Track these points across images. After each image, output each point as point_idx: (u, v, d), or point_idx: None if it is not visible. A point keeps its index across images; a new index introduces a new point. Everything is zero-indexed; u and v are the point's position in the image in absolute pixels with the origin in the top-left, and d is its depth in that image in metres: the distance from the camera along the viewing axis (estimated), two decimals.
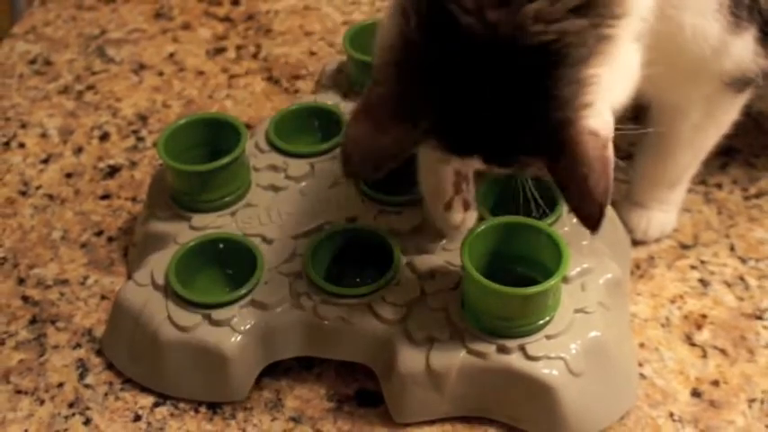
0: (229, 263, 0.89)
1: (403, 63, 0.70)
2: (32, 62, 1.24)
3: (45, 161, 1.10)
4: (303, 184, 0.94)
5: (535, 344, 0.80)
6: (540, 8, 0.66)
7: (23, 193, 1.07)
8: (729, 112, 0.90)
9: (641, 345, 0.89)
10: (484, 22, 0.66)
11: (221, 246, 0.89)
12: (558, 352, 0.80)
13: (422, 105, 0.69)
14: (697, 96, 0.88)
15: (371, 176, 0.79)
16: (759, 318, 0.91)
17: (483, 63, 0.67)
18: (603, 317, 0.83)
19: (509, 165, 0.73)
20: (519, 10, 0.66)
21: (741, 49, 0.82)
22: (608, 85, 0.69)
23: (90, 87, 1.20)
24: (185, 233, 0.90)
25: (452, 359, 0.80)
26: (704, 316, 0.91)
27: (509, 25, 0.66)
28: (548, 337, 0.80)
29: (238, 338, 0.83)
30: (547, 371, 0.79)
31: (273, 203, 0.92)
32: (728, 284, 0.94)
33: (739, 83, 0.85)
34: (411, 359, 0.81)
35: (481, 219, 0.87)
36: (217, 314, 0.83)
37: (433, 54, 0.68)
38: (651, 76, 0.85)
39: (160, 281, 0.86)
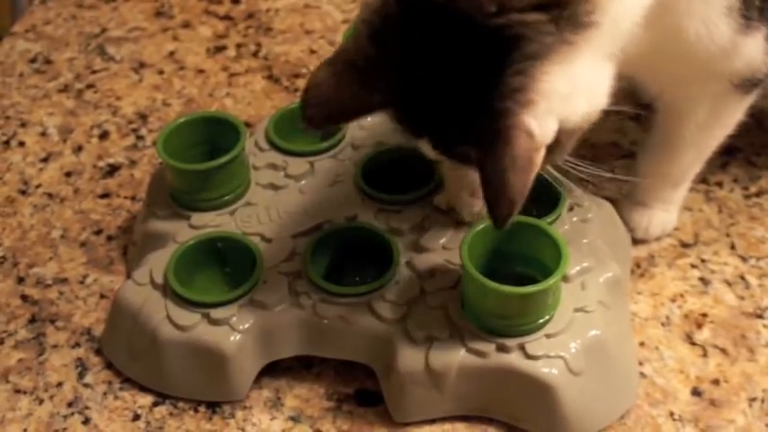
0: (228, 262, 0.89)
1: (373, 25, 0.70)
2: (32, 61, 1.24)
3: (45, 160, 1.10)
4: (303, 182, 0.94)
5: (535, 343, 0.80)
6: None
7: (23, 192, 1.07)
8: (735, 113, 0.89)
9: (641, 344, 0.89)
10: None
11: (220, 245, 0.89)
12: (557, 351, 0.79)
13: (381, 74, 0.69)
14: (704, 96, 0.87)
15: (327, 126, 0.79)
16: (760, 317, 0.91)
17: (442, 41, 0.67)
18: (603, 316, 0.82)
19: (452, 154, 0.72)
20: None
21: (752, 50, 0.81)
22: (560, 93, 0.68)
23: (90, 86, 1.20)
24: (184, 232, 0.90)
25: (452, 358, 0.80)
26: (705, 315, 0.91)
27: (471, 3, 0.65)
28: (547, 336, 0.80)
29: (237, 337, 0.83)
30: (546, 370, 0.79)
31: (273, 202, 0.92)
32: (729, 283, 0.94)
33: (748, 83, 0.84)
34: (410, 358, 0.80)
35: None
36: (216, 313, 0.83)
37: (399, 23, 0.68)
38: (656, 75, 0.85)
39: (159, 280, 0.86)
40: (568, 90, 0.68)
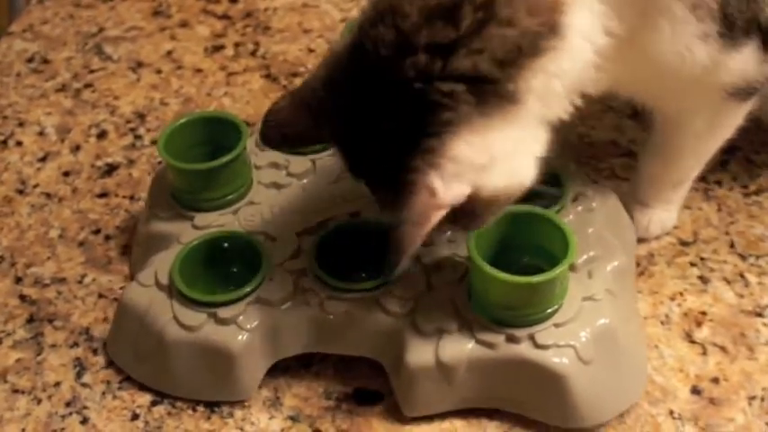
0: (234, 261, 0.88)
1: (328, 70, 0.76)
2: (30, 60, 1.24)
3: (42, 159, 1.10)
4: (305, 180, 0.94)
5: (544, 332, 0.79)
6: (425, 63, 0.70)
7: (21, 192, 1.06)
8: (734, 120, 0.89)
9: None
10: (382, 55, 0.71)
11: (225, 244, 0.88)
12: (567, 340, 0.79)
13: (327, 115, 0.76)
14: (699, 107, 0.87)
15: (282, 147, 0.86)
16: (759, 315, 0.91)
17: (378, 96, 0.72)
18: (612, 304, 0.82)
19: (381, 202, 0.76)
20: (411, 57, 0.70)
21: (741, 63, 0.81)
22: (471, 161, 0.71)
23: (88, 85, 1.19)
24: (188, 232, 0.89)
25: (462, 351, 0.80)
26: (704, 313, 0.91)
27: (401, 67, 0.70)
28: (556, 326, 0.80)
29: (245, 336, 0.83)
30: (557, 359, 0.79)
31: (276, 201, 0.92)
32: (728, 281, 0.94)
33: (743, 92, 0.84)
34: (420, 352, 0.80)
35: None
36: (223, 312, 0.83)
37: (347, 73, 0.74)
38: (644, 93, 0.85)
39: (164, 281, 0.85)
40: (482, 161, 0.71)
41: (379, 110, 0.72)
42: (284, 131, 0.79)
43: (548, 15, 0.71)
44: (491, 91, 0.70)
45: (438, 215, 0.71)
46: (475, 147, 0.71)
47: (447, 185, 0.70)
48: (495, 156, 0.72)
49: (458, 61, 0.70)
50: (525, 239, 0.84)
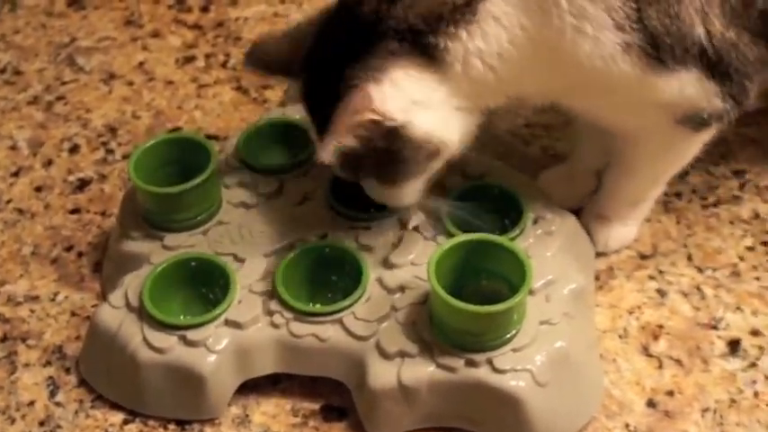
0: (203, 282, 0.90)
1: (315, 18, 0.87)
2: (2, 71, 1.25)
3: (15, 174, 1.11)
4: (273, 201, 0.95)
5: (502, 357, 0.82)
6: (376, 5, 0.81)
7: None
8: (687, 150, 0.92)
9: (599, 356, 0.91)
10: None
11: (194, 265, 0.90)
12: (524, 364, 0.82)
13: (302, 43, 0.86)
14: (650, 129, 0.89)
15: (258, 68, 0.92)
16: (714, 327, 0.94)
17: (341, 32, 0.83)
18: (568, 327, 0.85)
19: (321, 129, 0.82)
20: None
21: (676, 87, 0.83)
22: (408, 92, 0.81)
23: (60, 98, 1.21)
24: (158, 253, 0.91)
25: (423, 374, 0.82)
26: (661, 326, 0.94)
27: (360, 9, 0.82)
28: (514, 350, 0.83)
29: (214, 358, 0.85)
30: (514, 383, 0.82)
31: (245, 221, 0.94)
32: (685, 294, 0.96)
33: (694, 121, 0.86)
34: (383, 374, 0.83)
35: (450, 236, 0.89)
36: (192, 335, 0.85)
37: (326, 18, 0.86)
38: (589, 104, 0.87)
39: (135, 303, 0.87)
40: (416, 96, 0.81)
41: (339, 40, 0.83)
42: (266, 55, 0.90)
43: None
44: (423, 41, 0.81)
45: (367, 118, 0.79)
46: (412, 80, 0.81)
47: (382, 98, 0.79)
48: (427, 99, 0.82)
49: (396, 11, 0.81)
50: (485, 265, 0.86)
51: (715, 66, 0.82)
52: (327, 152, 0.80)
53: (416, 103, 0.81)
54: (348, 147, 0.81)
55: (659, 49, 0.80)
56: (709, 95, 0.84)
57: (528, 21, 0.80)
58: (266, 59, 0.90)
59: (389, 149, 0.82)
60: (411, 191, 0.86)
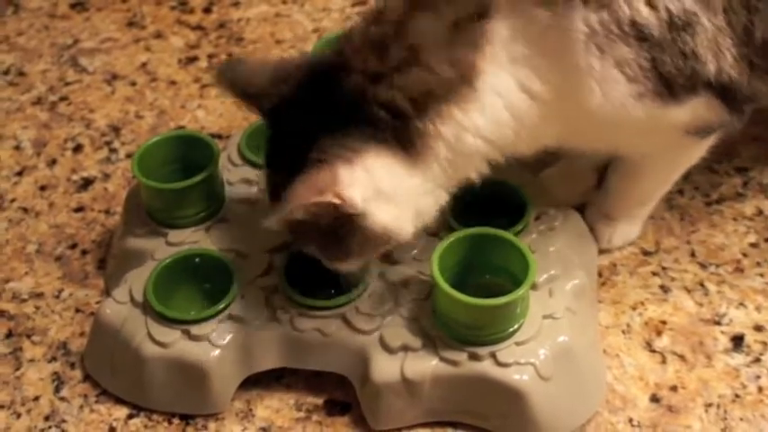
0: (207, 278, 0.91)
1: (310, 56, 0.85)
2: (6, 73, 1.25)
3: (19, 173, 1.12)
4: None
5: (505, 350, 0.82)
6: (360, 84, 0.76)
7: None
8: (694, 154, 0.92)
9: (603, 351, 0.91)
10: (333, 66, 0.78)
11: (197, 261, 0.90)
12: (527, 358, 0.82)
13: (279, 86, 0.80)
14: (661, 145, 0.89)
15: (225, 87, 0.85)
16: (717, 323, 0.94)
17: (320, 95, 0.77)
18: (571, 321, 0.85)
19: (274, 191, 0.79)
20: (350, 76, 0.77)
21: (688, 113, 0.83)
22: (377, 182, 0.76)
23: (63, 98, 1.21)
24: (162, 249, 0.92)
25: (426, 367, 0.83)
26: (664, 322, 0.94)
27: (343, 82, 0.77)
28: (517, 344, 0.83)
29: (217, 352, 0.85)
30: (517, 376, 0.82)
31: (247, 217, 0.94)
32: (688, 290, 0.97)
33: (701, 131, 0.86)
34: (386, 368, 0.83)
35: (451, 230, 0.89)
36: (195, 329, 0.85)
37: (312, 65, 0.80)
38: (601, 143, 0.87)
39: (139, 298, 0.88)
40: (384, 187, 0.77)
41: (318, 104, 0.78)
42: (240, 79, 0.82)
43: (465, 69, 0.76)
44: (406, 126, 0.76)
45: (325, 200, 0.74)
46: (384, 170, 0.76)
47: (350, 182, 0.75)
48: (394, 191, 0.77)
49: (381, 91, 0.76)
50: (488, 259, 0.86)
51: (721, 93, 0.82)
52: (276, 221, 0.77)
53: (381, 194, 0.77)
54: (294, 219, 0.77)
55: (672, 89, 0.79)
56: (718, 112, 0.84)
57: (537, 86, 0.77)
58: (239, 83, 0.83)
59: (337, 232, 0.78)
60: (353, 265, 0.84)
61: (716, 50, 0.79)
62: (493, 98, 0.77)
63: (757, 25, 0.79)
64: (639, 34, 0.76)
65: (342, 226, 0.77)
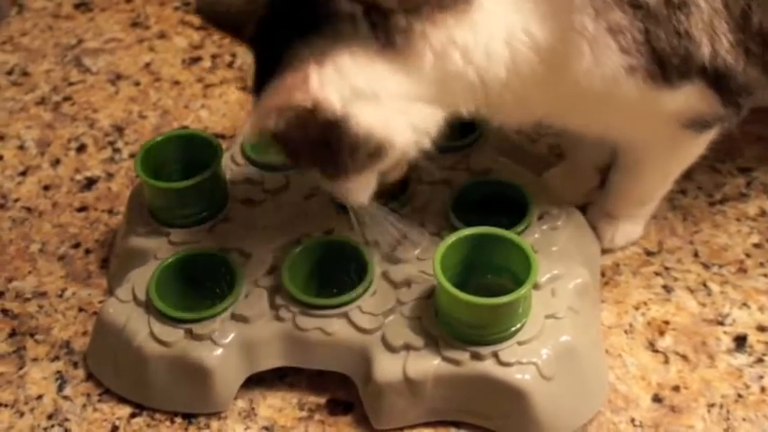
0: (209, 277, 0.91)
1: None
2: (9, 73, 1.26)
3: (23, 173, 1.12)
4: (279, 196, 0.96)
5: (508, 350, 0.82)
6: None
7: (2, 206, 1.08)
8: (693, 150, 0.92)
9: (605, 351, 0.91)
10: None
11: (200, 260, 0.91)
12: (529, 357, 0.82)
13: (255, 15, 0.78)
14: (656, 137, 0.89)
15: (209, 21, 0.85)
16: (720, 323, 0.94)
17: (295, 4, 0.76)
18: (573, 321, 0.85)
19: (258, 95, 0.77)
20: None
21: (681, 100, 0.82)
22: (354, 80, 0.73)
23: (67, 98, 1.21)
24: (165, 248, 0.92)
25: (428, 367, 0.83)
26: (667, 322, 0.94)
27: None
28: (520, 344, 0.83)
29: (220, 351, 0.85)
30: (519, 376, 0.82)
31: (251, 216, 0.94)
32: (691, 290, 0.96)
33: (698, 125, 0.86)
34: (388, 368, 0.83)
35: (454, 229, 0.89)
36: (198, 329, 0.86)
37: None
38: (593, 124, 0.86)
39: (142, 297, 0.88)
40: (362, 86, 0.74)
41: (293, 9, 0.75)
42: (220, 6, 0.81)
43: None
44: (384, 21, 0.73)
45: (299, 100, 0.72)
46: (360, 67, 0.74)
47: (321, 82, 0.72)
48: (376, 90, 0.74)
49: None
50: (490, 259, 0.86)
51: (716, 80, 0.81)
52: (250, 130, 0.76)
53: (360, 94, 0.74)
54: (279, 129, 0.75)
55: (665, 68, 0.78)
56: (711, 103, 0.83)
57: (532, 27, 0.75)
58: (219, 11, 0.81)
59: (325, 143, 0.76)
60: (357, 188, 0.81)
61: (711, 33, 0.78)
62: (488, 23, 0.75)
63: (755, 10, 0.79)
64: (634, 1, 0.75)
65: (330, 136, 0.75)
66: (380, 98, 0.75)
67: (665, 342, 0.92)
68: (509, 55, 0.76)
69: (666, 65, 0.78)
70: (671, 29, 0.77)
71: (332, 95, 0.73)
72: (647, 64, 0.78)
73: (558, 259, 0.89)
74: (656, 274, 0.98)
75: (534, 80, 0.78)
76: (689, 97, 0.82)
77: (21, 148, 1.15)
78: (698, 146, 0.91)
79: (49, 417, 0.89)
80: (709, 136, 0.90)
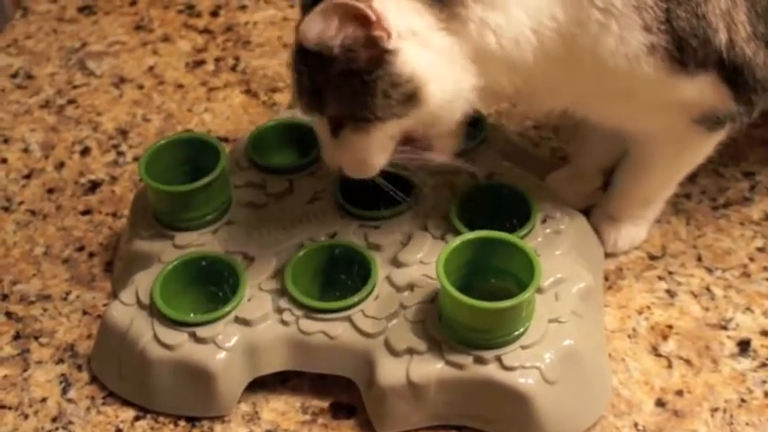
0: (213, 280, 0.91)
1: None
2: (14, 76, 1.26)
3: (27, 176, 1.12)
4: (282, 200, 0.96)
5: (511, 354, 0.82)
6: None
7: (6, 209, 1.09)
8: (702, 149, 0.92)
9: (608, 355, 0.91)
10: None
11: (204, 263, 0.91)
12: (533, 361, 0.82)
13: None
14: (666, 131, 0.89)
15: None
16: (724, 328, 0.94)
17: None
18: (577, 325, 0.85)
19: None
20: None
21: (696, 90, 0.83)
22: (410, 22, 0.75)
23: (71, 101, 1.21)
24: (169, 252, 0.92)
25: (431, 371, 0.83)
26: (670, 327, 0.94)
27: None
28: (523, 348, 0.83)
29: (223, 355, 0.85)
30: (523, 380, 0.82)
31: (254, 220, 0.94)
32: (695, 295, 0.96)
33: (709, 121, 0.86)
34: (391, 371, 0.83)
35: (457, 233, 0.89)
36: (202, 332, 0.86)
37: None
38: (608, 110, 0.87)
39: (145, 300, 0.88)
40: (418, 29, 0.75)
41: None
42: None
43: None
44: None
45: (363, 11, 0.73)
46: (415, 11, 0.75)
47: (383, 7, 0.73)
48: (426, 37, 0.76)
49: None
50: (493, 263, 0.86)
51: (730, 73, 0.82)
52: (311, 27, 0.74)
53: (415, 33, 0.76)
54: (327, 48, 0.74)
55: (683, 51, 0.80)
56: (724, 98, 0.84)
57: (556, 11, 0.77)
58: None
59: (365, 77, 0.76)
60: (378, 146, 0.81)
61: (728, 21, 0.80)
62: (517, 9, 0.77)
63: None
64: None
65: (369, 68, 0.76)
66: (430, 45, 0.76)
67: (669, 346, 0.92)
68: (536, 41, 0.78)
69: (685, 47, 0.80)
70: (690, 9, 0.78)
71: (390, 23, 0.74)
72: (666, 44, 0.79)
73: (562, 263, 0.89)
74: (660, 278, 0.98)
75: (561, 65, 0.80)
76: (703, 88, 0.83)
77: (25, 150, 1.16)
78: (706, 145, 0.91)
79: (53, 419, 0.89)
80: (719, 136, 0.90)
